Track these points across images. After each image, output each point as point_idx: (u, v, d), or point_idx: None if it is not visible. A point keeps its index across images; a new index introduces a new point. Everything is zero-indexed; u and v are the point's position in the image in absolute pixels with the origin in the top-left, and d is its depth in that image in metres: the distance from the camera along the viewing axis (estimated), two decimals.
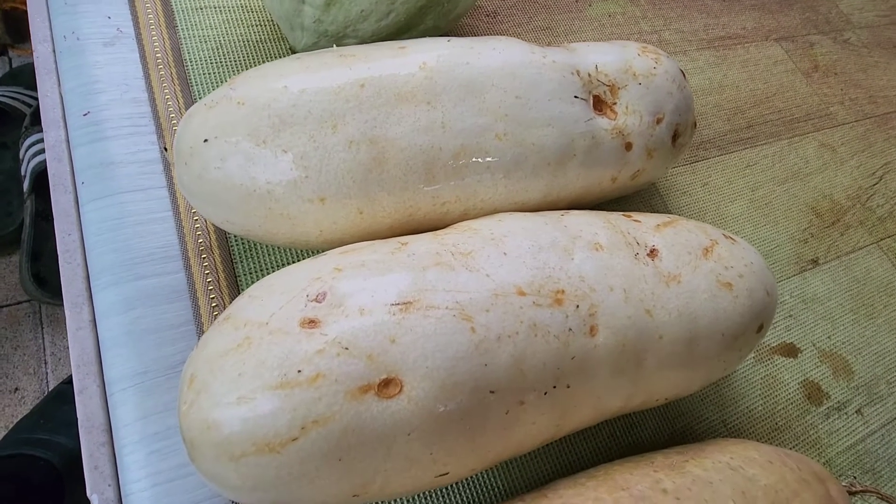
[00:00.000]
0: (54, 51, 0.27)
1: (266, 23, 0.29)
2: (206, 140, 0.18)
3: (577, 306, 0.17)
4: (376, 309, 0.15)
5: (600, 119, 0.22)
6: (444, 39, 0.20)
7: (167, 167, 0.24)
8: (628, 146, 0.22)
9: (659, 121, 0.23)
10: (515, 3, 0.37)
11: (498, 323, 0.16)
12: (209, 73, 0.27)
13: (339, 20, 0.24)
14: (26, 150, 0.56)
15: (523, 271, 0.17)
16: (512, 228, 0.18)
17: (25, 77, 0.66)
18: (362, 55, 0.19)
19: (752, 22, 0.44)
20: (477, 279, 0.16)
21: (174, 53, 0.27)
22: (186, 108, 0.26)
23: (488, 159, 0.19)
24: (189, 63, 0.27)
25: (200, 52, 0.27)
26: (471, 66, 0.19)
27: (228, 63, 0.27)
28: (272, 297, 0.15)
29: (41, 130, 0.59)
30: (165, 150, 0.24)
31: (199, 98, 0.26)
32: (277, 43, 0.29)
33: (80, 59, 0.26)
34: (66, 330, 0.60)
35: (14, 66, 0.68)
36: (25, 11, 0.73)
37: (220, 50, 0.28)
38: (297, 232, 0.19)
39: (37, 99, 0.64)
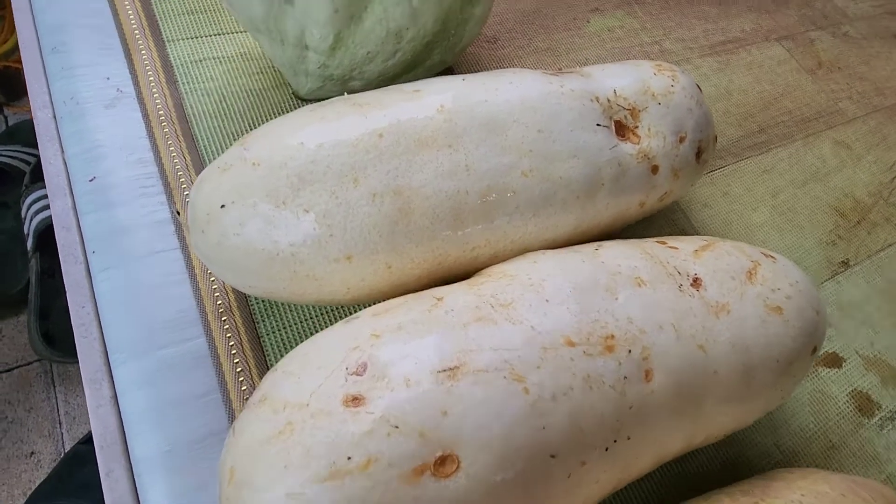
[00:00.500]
0: (55, 116, 0.26)
1: (267, 70, 0.29)
2: (222, 206, 0.17)
3: (629, 351, 0.16)
4: (422, 378, 0.14)
5: (624, 144, 0.21)
6: (458, 78, 0.20)
7: (179, 227, 0.24)
8: (654, 169, 0.22)
9: (682, 139, 0.23)
10: (514, 27, 0.36)
11: (551, 380, 0.15)
12: (214, 128, 0.26)
13: (345, 63, 0.23)
14: (28, 209, 0.55)
15: (568, 318, 0.16)
16: (549, 270, 0.17)
17: (23, 134, 0.66)
18: (376, 102, 0.18)
19: (751, 24, 0.43)
20: (522, 332, 0.15)
21: (177, 110, 0.26)
22: (194, 166, 0.25)
23: (516, 198, 0.19)
24: (193, 118, 0.26)
25: (204, 106, 0.27)
26: (489, 103, 0.19)
27: (233, 115, 0.27)
28: (309, 372, 0.14)
29: (42, 188, 0.59)
30: (178, 213, 0.23)
31: (207, 155, 0.25)
32: (280, 89, 0.28)
33: (82, 123, 0.26)
34: (78, 387, 0.59)
35: (10, 123, 0.68)
36: (19, 70, 0.74)
37: (223, 102, 0.27)
38: (323, 291, 0.18)
39: (36, 156, 0.64)
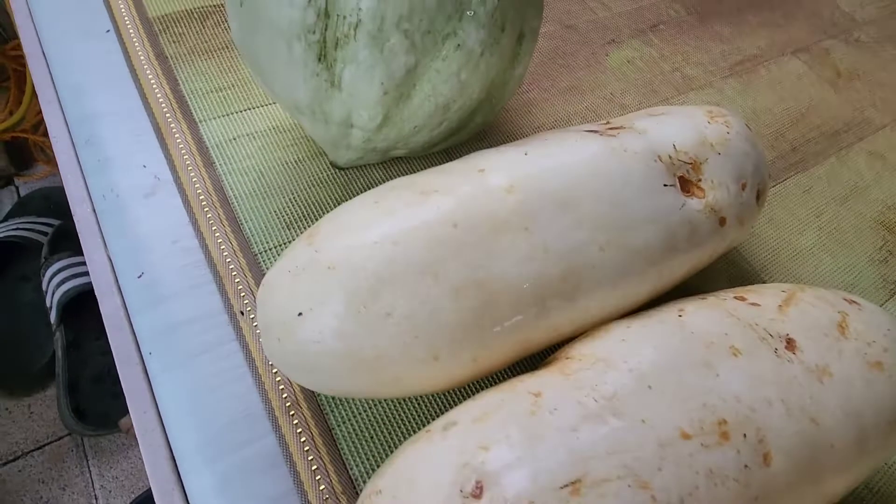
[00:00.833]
0: (94, 211, 0.26)
1: (301, 140, 0.29)
2: (299, 314, 0.16)
3: (745, 435, 0.15)
4: (547, 498, 0.13)
5: (692, 201, 0.20)
6: (518, 151, 0.19)
7: (232, 317, 0.23)
8: (722, 221, 0.21)
9: (744, 186, 0.22)
10: (537, 69, 0.36)
11: (675, 482, 0.14)
12: (257, 207, 0.26)
13: (391, 137, 0.23)
14: (49, 281, 0.55)
15: (677, 407, 0.15)
16: (642, 350, 0.17)
17: (35, 204, 0.65)
18: (442, 187, 0.18)
19: (765, 39, 0.43)
20: (635, 430, 0.14)
21: (217, 193, 0.26)
22: (241, 251, 0.24)
23: (596, 274, 0.18)
24: (234, 200, 0.26)
25: (243, 186, 0.26)
26: (557, 176, 0.18)
27: (273, 192, 0.26)
28: (420, 495, 0.14)
29: (62, 259, 0.58)
30: (241, 314, 0.22)
31: (252, 237, 0.25)
32: (317, 159, 0.28)
33: (123, 216, 0.25)
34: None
35: (22, 194, 0.68)
36: (27, 139, 0.74)
37: (262, 179, 0.27)
38: (405, 389, 0.17)
39: (51, 226, 0.64)
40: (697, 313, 0.19)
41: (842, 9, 0.49)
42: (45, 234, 0.60)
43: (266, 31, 0.19)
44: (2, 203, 0.67)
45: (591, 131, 0.22)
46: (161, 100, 0.28)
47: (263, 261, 0.24)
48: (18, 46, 0.68)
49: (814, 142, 0.37)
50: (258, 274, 0.24)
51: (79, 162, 0.27)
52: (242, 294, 0.23)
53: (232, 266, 0.24)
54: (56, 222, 0.62)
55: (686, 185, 0.21)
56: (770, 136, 0.37)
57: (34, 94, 0.65)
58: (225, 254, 0.24)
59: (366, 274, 0.16)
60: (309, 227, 0.26)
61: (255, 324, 0.22)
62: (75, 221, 0.26)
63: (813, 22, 0.47)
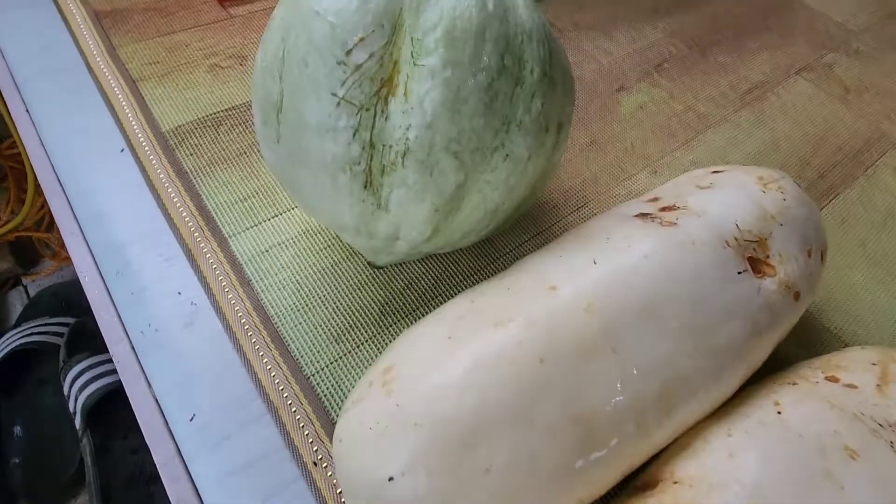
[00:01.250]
0: (133, 348, 0.25)
1: (334, 242, 0.28)
2: (390, 478, 0.15)
3: None
4: None
5: (765, 282, 0.20)
6: (583, 258, 0.18)
7: (295, 452, 0.22)
8: (797, 296, 0.20)
9: (809, 253, 0.21)
10: None
11: None
12: (300, 323, 0.25)
13: (439, 244, 0.22)
14: (71, 386, 0.53)
15: None
16: (753, 465, 0.16)
17: (45, 303, 0.64)
18: (515, 313, 0.17)
19: (768, 63, 0.43)
20: None
21: (258, 312, 0.25)
22: (293, 375, 0.23)
23: (688, 384, 0.17)
24: (276, 318, 0.25)
25: (283, 301, 0.25)
26: (635, 287, 0.17)
27: (315, 303, 0.25)
28: None
29: (82, 360, 0.57)
30: (314, 464, 0.21)
31: (301, 358, 0.24)
32: (352, 260, 0.27)
33: (164, 352, 0.24)
34: None
35: (31, 294, 0.67)
36: (31, 237, 0.73)
37: (301, 290, 0.26)
38: None
39: (66, 325, 0.63)
40: (797, 408, 0.18)
41: (835, 20, 0.49)
42: (60, 334, 0.59)
43: (307, 165, 0.19)
44: (12, 306, 0.66)
45: (645, 215, 0.21)
46: (187, 218, 0.28)
47: (317, 383, 0.23)
48: (13, 145, 0.67)
49: (839, 166, 0.37)
50: (314, 400, 0.23)
51: (111, 297, 0.26)
52: (305, 432, 0.22)
53: (286, 395, 0.23)
54: (70, 321, 0.60)
55: (756, 265, 0.20)
56: (796, 165, 0.36)
57: (37, 192, 0.64)
58: (276, 380, 0.23)
59: (458, 429, 0.15)
60: (356, 337, 0.25)
61: (329, 474, 0.21)
62: (114, 362, 0.25)
63: (810, 38, 0.47)
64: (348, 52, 0.17)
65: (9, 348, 0.56)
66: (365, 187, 0.19)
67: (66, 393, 0.54)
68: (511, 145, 0.19)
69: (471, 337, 0.17)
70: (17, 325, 0.61)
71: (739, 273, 0.19)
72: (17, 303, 0.66)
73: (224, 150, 0.30)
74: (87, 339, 0.57)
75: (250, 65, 0.35)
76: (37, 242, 0.68)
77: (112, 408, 0.53)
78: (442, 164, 0.18)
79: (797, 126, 0.39)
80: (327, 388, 0.23)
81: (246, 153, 0.31)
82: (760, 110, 0.40)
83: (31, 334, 0.57)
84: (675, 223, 0.20)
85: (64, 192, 0.29)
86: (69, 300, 0.64)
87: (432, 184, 0.18)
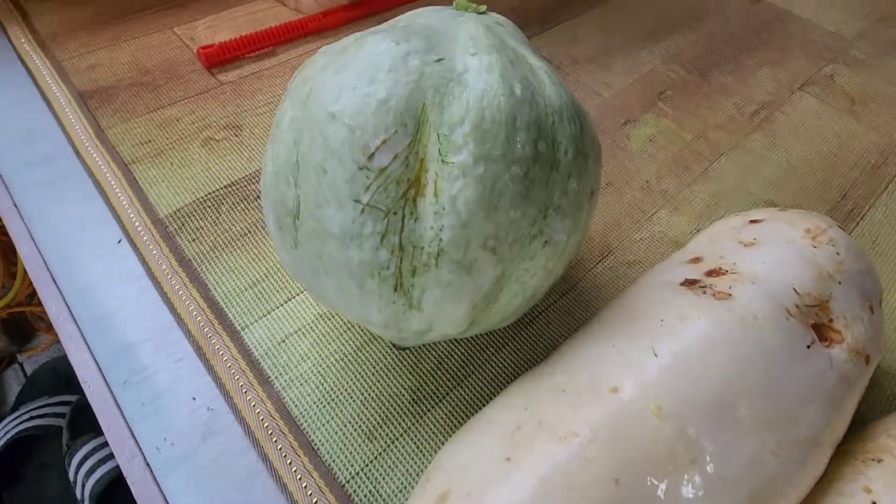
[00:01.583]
0: (149, 465, 0.23)
1: (352, 324, 0.26)
2: None
3: None
4: None
5: (834, 351, 0.18)
6: (644, 349, 0.17)
7: None
8: (867, 359, 0.19)
9: (871, 308, 0.20)
10: None
11: None
12: (328, 422, 0.23)
13: (474, 332, 0.21)
14: (77, 471, 0.50)
15: None
16: None
17: (43, 380, 0.62)
18: (580, 424, 0.15)
19: (770, 81, 0.43)
20: None
21: (281, 414, 0.23)
22: (327, 485, 0.21)
23: (778, 484, 0.15)
24: (301, 418, 0.23)
25: (307, 398, 0.24)
26: (704, 381, 0.16)
27: (340, 395, 0.24)
28: None
29: (84, 444, 0.54)
30: None
31: (334, 465, 0.22)
32: (374, 343, 0.25)
33: (182, 468, 0.22)
34: None
35: (28, 371, 0.64)
36: (23, 312, 0.71)
37: (324, 383, 0.24)
38: None
39: (68, 404, 0.60)
40: (889, 493, 0.16)
41: (828, 29, 0.49)
42: (62, 415, 0.56)
43: (331, 273, 0.17)
44: (9, 386, 0.63)
45: (692, 283, 0.20)
46: (194, 311, 0.26)
47: (353, 490, 0.21)
48: None
49: (859, 183, 0.36)
50: None
51: (120, 410, 0.24)
52: None
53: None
54: (71, 398, 0.58)
55: (821, 332, 0.18)
56: (817, 188, 0.35)
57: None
58: (309, 491, 0.21)
59: None
60: (390, 431, 0.23)
61: None
62: (128, 482, 0.23)
63: (807, 49, 0.46)
64: (370, 157, 0.15)
65: (8, 436, 0.53)
66: (395, 290, 0.17)
67: (71, 479, 0.51)
68: (549, 231, 0.17)
69: (533, 457, 0.15)
70: (16, 408, 0.58)
71: (808, 347, 0.17)
72: (13, 383, 0.63)
73: (227, 232, 0.29)
74: (88, 418, 0.55)
75: (246, 135, 0.34)
76: (30, 316, 0.66)
77: (123, 493, 0.50)
78: (479, 261, 0.17)
79: (810, 145, 0.38)
80: (364, 495, 0.21)
81: (250, 232, 0.29)
82: (771, 132, 0.39)
83: (31, 418, 0.55)
84: (730, 294, 0.18)
85: (60, 292, 0.27)
86: (68, 375, 0.61)
87: (469, 282, 0.17)
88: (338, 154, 0.15)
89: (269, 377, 0.24)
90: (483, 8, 0.19)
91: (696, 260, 0.21)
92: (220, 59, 0.37)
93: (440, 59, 0.16)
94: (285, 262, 0.19)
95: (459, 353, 0.25)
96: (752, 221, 0.23)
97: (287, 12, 0.43)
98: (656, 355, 0.17)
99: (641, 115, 0.39)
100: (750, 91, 0.42)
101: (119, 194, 0.30)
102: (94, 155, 0.32)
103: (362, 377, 0.24)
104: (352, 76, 0.16)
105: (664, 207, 0.33)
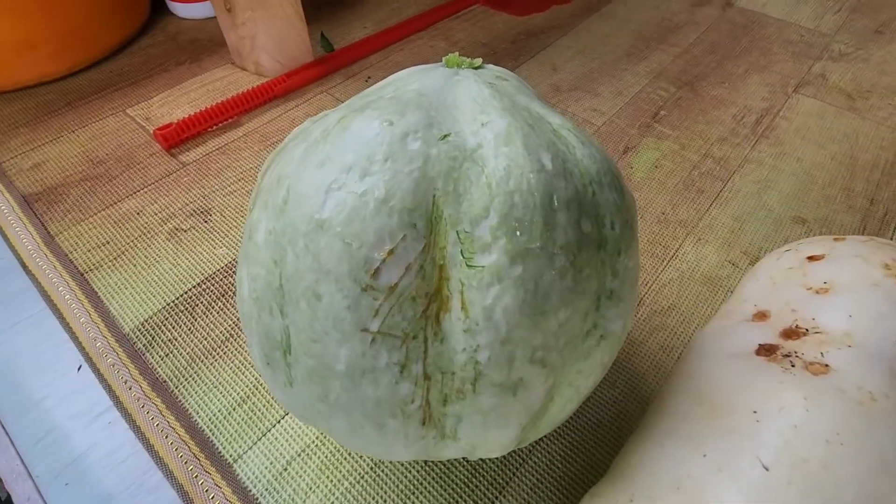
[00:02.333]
0: None
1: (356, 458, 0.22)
2: None
3: None
4: None
5: None
6: (747, 459, 0.13)
7: None
8: None
9: None
10: None
11: None
12: None
13: (521, 446, 0.17)
14: None
15: None
16: None
17: None
18: None
19: (762, 87, 0.41)
20: None
21: None
22: None
23: None
24: None
25: None
26: (840, 496, 0.12)
27: None
28: None
29: None
30: None
31: None
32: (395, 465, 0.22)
33: None
34: None
35: None
36: None
37: None
38: None
39: None
40: None
41: (805, 27, 0.48)
42: None
43: (339, 415, 0.14)
44: None
45: (770, 350, 0.16)
46: (175, 445, 0.22)
47: None
48: None
49: (882, 185, 0.34)
50: None
51: None
52: None
53: None
54: None
55: None
56: (842, 196, 0.33)
57: None
58: None
59: None
60: None
61: None
62: None
63: (790, 50, 0.45)
64: (375, 273, 0.12)
65: None
66: (423, 423, 0.14)
67: None
68: (604, 322, 0.14)
69: None
70: None
71: None
72: None
73: (206, 340, 0.25)
74: None
75: (217, 219, 0.30)
76: None
77: None
78: (526, 378, 0.13)
79: (821, 149, 0.36)
80: None
81: (233, 336, 0.25)
82: (776, 140, 0.36)
83: None
84: (826, 365, 0.15)
85: (12, 443, 0.23)
86: None
87: (516, 404, 0.13)
88: (333, 274, 0.12)
89: None
90: (479, 62, 0.16)
91: (762, 316, 0.18)
92: (179, 138, 0.34)
93: (446, 136, 0.13)
94: (280, 398, 0.15)
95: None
96: (810, 259, 0.20)
97: (247, 77, 0.40)
98: (766, 468, 0.13)
99: (640, 140, 0.36)
100: (745, 100, 0.40)
101: (76, 310, 0.26)
102: (44, 267, 0.28)
103: (386, 502, 0.20)
104: (338, 171, 0.12)
105: (687, 239, 0.30)
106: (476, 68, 0.16)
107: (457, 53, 0.16)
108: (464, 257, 0.12)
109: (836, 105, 0.39)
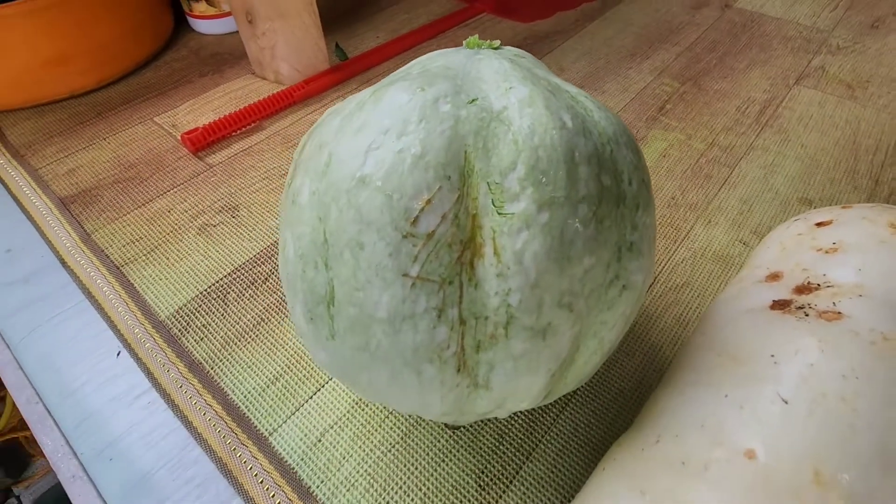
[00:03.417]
0: None
1: (391, 413, 0.23)
2: None
3: None
4: None
5: None
6: (768, 396, 0.14)
7: None
8: None
9: None
10: None
11: None
12: None
13: (548, 401, 0.18)
14: None
15: None
16: None
17: None
18: None
19: (763, 80, 0.42)
20: None
21: None
22: None
23: None
24: None
25: None
26: (855, 430, 0.13)
27: (397, 496, 0.20)
28: None
29: None
30: None
31: None
32: (423, 424, 0.22)
33: None
34: None
35: None
36: (16, 438, 0.65)
37: (375, 485, 0.21)
38: None
39: None
40: None
41: (803, 24, 0.49)
42: None
43: (381, 363, 0.14)
44: None
45: (784, 304, 0.17)
46: (213, 421, 0.23)
47: None
48: None
49: (886, 166, 0.34)
50: None
51: None
52: None
53: None
54: None
55: None
56: (846, 177, 0.33)
57: None
58: None
59: None
60: None
61: None
62: None
63: (790, 46, 0.46)
64: (414, 221, 0.13)
65: None
66: (458, 371, 0.15)
67: None
68: (626, 273, 0.15)
69: None
70: None
71: None
72: None
73: (238, 324, 0.26)
74: None
75: (244, 214, 0.31)
76: (24, 442, 0.61)
77: None
78: (555, 323, 0.14)
79: (824, 135, 0.37)
80: None
81: (264, 320, 0.26)
82: (781, 128, 0.38)
83: None
84: (839, 312, 0.16)
85: (56, 425, 0.24)
86: None
87: (546, 349, 0.14)
88: (375, 224, 0.13)
89: (310, 487, 0.21)
90: (497, 43, 0.18)
91: (775, 276, 0.19)
92: (205, 141, 0.36)
93: (473, 100, 0.14)
94: (320, 358, 0.16)
95: (520, 420, 0.22)
96: (818, 224, 0.21)
97: (267, 86, 0.42)
98: (786, 402, 0.14)
99: (648, 132, 0.37)
100: (747, 92, 0.41)
101: (113, 301, 0.27)
102: (82, 262, 0.29)
103: (417, 469, 0.21)
104: (376, 133, 0.14)
105: (698, 221, 0.31)
106: (495, 49, 0.17)
107: (476, 36, 0.18)
108: (494, 206, 0.13)
109: (837, 95, 0.40)
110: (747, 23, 0.50)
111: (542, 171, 0.13)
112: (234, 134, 0.37)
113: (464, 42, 0.18)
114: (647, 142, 0.37)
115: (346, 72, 0.42)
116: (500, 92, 0.14)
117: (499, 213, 0.13)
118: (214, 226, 0.31)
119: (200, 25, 0.48)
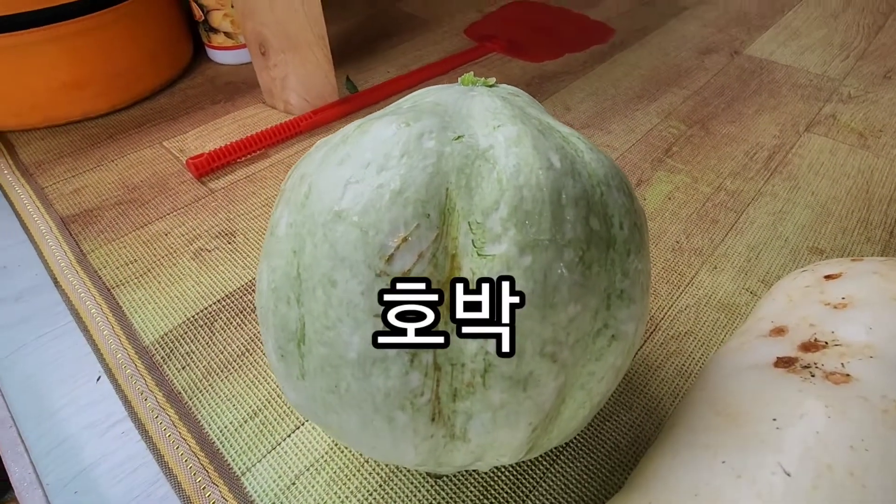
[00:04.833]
0: None
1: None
2: None
3: None
4: None
5: None
6: (768, 465, 0.13)
7: None
8: None
9: None
10: None
11: None
12: None
13: (532, 455, 0.17)
14: None
15: None
16: None
17: None
18: None
19: (773, 126, 0.42)
20: None
21: None
22: None
23: None
24: None
25: None
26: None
27: None
28: None
29: None
30: None
31: None
32: (403, 472, 0.21)
33: None
34: None
35: None
36: None
37: None
38: None
39: None
40: None
41: (813, 72, 0.49)
42: None
43: (350, 407, 0.14)
44: None
45: (789, 362, 0.16)
46: (185, 457, 0.21)
47: None
48: None
49: None
50: None
51: None
52: None
53: None
54: None
55: None
56: (858, 227, 0.32)
57: None
58: None
59: None
60: None
61: None
62: None
63: (800, 93, 0.46)
64: (389, 259, 0.12)
65: None
66: (433, 420, 0.14)
67: None
68: (615, 322, 0.14)
69: None
70: None
71: None
72: None
73: (222, 354, 0.25)
74: None
75: (240, 241, 0.31)
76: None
77: None
78: (536, 373, 0.13)
79: (836, 183, 0.36)
80: None
81: (248, 351, 0.25)
82: (790, 175, 0.37)
83: None
84: (847, 374, 0.15)
85: (27, 451, 0.23)
86: None
87: (527, 400, 0.13)
88: (349, 261, 0.12)
89: None
90: (492, 80, 0.17)
91: (780, 331, 0.18)
92: (210, 167, 0.36)
93: (459, 137, 0.14)
94: (291, 398, 0.15)
95: (507, 473, 0.21)
96: (827, 277, 0.20)
97: (276, 115, 0.43)
98: (789, 474, 0.13)
99: (653, 174, 0.37)
100: (756, 137, 0.41)
101: (100, 323, 0.27)
102: (74, 282, 0.29)
103: None
104: (357, 167, 0.13)
105: (703, 267, 0.30)
106: (490, 86, 0.17)
107: (472, 73, 0.18)
108: (475, 246, 0.12)
109: (848, 143, 0.40)
110: (756, 69, 0.50)
111: (525, 212, 0.12)
112: (238, 160, 0.37)
113: (459, 79, 0.18)
114: (651, 183, 0.36)
115: (354, 104, 0.43)
116: (487, 130, 0.14)
117: (479, 255, 0.12)
118: (209, 251, 0.31)
119: (217, 55, 0.49)
